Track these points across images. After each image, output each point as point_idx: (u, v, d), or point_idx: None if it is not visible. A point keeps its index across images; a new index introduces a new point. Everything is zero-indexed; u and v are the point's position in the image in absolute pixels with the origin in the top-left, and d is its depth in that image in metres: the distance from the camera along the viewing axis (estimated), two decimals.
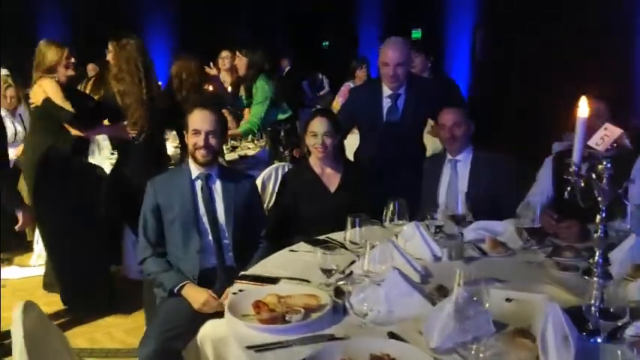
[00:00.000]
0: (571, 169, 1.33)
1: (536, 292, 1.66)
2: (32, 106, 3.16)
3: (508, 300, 1.62)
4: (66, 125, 3.10)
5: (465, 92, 8.47)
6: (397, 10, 9.40)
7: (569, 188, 1.34)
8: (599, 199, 1.40)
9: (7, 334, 2.94)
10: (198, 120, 2.35)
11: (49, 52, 3.11)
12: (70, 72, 3.16)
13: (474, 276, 1.48)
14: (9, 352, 2.79)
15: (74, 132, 3.13)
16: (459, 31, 8.61)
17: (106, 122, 3.33)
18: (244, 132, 3.97)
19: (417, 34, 8.68)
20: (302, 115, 5.70)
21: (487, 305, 1.39)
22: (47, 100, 3.02)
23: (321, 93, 10.83)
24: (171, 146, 4.14)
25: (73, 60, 3.16)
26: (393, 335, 1.48)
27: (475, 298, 1.39)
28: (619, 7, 6.24)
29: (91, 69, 6.10)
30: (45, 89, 3.06)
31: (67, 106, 3.03)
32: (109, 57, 3.31)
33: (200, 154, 2.33)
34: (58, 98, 3.03)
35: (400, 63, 2.91)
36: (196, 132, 2.33)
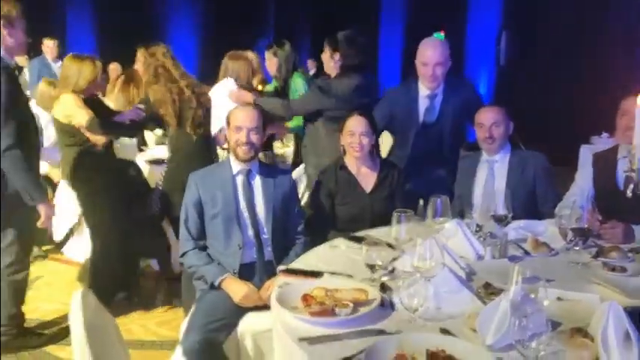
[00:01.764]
0: (635, 167, 1.31)
1: (586, 292, 1.65)
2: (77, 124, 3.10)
3: (559, 299, 1.61)
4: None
5: (489, 94, 8.43)
6: (420, 11, 9.38)
7: (631, 185, 1.33)
8: None
9: (46, 324, 3.11)
10: (241, 117, 2.38)
11: (85, 71, 3.10)
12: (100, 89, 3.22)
13: (529, 274, 1.47)
14: (49, 342, 2.92)
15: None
16: (483, 33, 8.57)
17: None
18: (294, 128, 3.97)
19: (439, 36, 8.64)
20: None
21: (546, 303, 1.38)
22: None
23: None
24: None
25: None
26: (445, 331, 1.48)
27: (532, 295, 1.39)
28: None
29: (113, 69, 6.14)
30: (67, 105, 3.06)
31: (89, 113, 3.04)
32: (138, 65, 3.30)
33: (242, 150, 2.35)
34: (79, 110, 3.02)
35: (439, 62, 2.89)
36: (238, 128, 2.36)
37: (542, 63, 7.44)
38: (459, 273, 1.78)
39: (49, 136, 4.09)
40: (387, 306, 1.64)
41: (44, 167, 3.95)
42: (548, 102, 7.12)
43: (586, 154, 3.90)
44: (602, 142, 4.79)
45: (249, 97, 3.33)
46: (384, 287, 1.76)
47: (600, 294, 1.63)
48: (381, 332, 1.50)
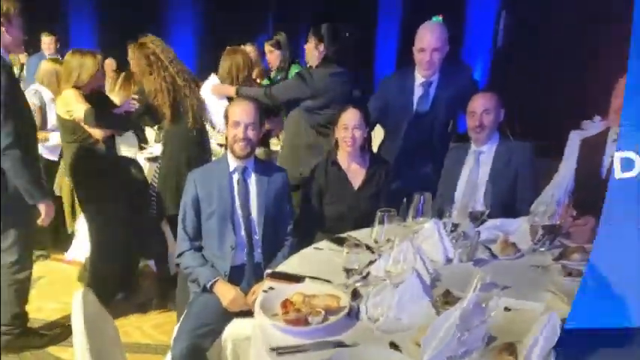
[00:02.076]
0: None
1: (535, 301, 1.62)
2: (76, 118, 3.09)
3: (507, 309, 1.58)
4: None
5: (485, 79, 8.33)
6: (417, 8, 9.17)
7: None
8: None
9: (48, 325, 3.13)
10: (238, 112, 2.35)
11: (86, 65, 3.10)
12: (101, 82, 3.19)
13: (489, 280, 1.42)
14: (51, 342, 2.96)
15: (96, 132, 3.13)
16: (481, 16, 8.41)
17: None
18: None
19: (437, 19, 8.45)
20: None
21: (493, 314, 1.35)
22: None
23: None
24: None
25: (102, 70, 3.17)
26: (394, 345, 1.45)
27: (484, 305, 1.35)
28: None
29: (108, 64, 6.16)
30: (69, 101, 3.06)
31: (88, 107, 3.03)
32: (131, 60, 3.27)
33: (239, 146, 2.33)
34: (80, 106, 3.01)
35: (436, 48, 2.81)
36: (236, 124, 2.33)
37: (541, 46, 7.31)
38: (425, 278, 1.72)
39: (52, 119, 4.03)
40: (353, 315, 1.60)
41: (54, 138, 3.96)
42: (544, 87, 7.03)
43: (575, 141, 3.76)
44: (594, 127, 4.64)
45: (230, 89, 3.32)
46: (355, 294, 1.72)
47: (548, 303, 1.59)
48: (340, 344, 1.46)
